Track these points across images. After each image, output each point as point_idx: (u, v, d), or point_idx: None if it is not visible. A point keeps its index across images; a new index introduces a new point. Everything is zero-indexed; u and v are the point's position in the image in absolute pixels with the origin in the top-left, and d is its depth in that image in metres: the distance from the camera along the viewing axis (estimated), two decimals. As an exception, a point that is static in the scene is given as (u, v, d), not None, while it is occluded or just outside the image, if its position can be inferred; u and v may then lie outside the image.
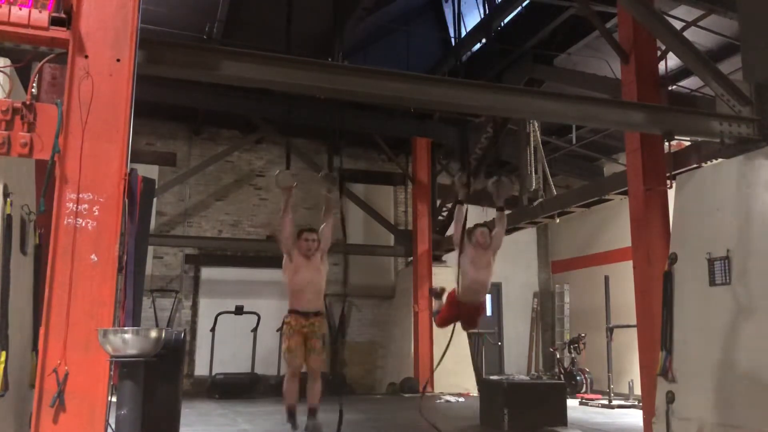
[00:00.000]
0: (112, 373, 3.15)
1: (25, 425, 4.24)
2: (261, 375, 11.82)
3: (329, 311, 13.35)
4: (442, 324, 7.16)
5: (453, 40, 12.56)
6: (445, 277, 13.21)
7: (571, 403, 9.31)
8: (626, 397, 10.66)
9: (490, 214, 7.26)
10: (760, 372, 4.99)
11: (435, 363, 6.33)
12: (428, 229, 13.27)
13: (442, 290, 7.39)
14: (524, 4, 10.18)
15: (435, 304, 7.60)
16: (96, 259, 3.17)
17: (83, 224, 3.18)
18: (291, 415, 6.43)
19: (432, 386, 12.34)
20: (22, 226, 4.43)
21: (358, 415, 8.76)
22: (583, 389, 12.10)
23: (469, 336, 13.17)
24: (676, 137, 6.09)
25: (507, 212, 11.49)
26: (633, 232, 6.99)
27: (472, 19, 11.97)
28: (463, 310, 6.75)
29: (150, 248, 10.25)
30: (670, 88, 9.07)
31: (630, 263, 7.06)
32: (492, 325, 14.83)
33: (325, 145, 14.11)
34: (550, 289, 15.41)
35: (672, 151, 6.73)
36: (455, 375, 12.02)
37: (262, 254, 13.28)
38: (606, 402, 10.43)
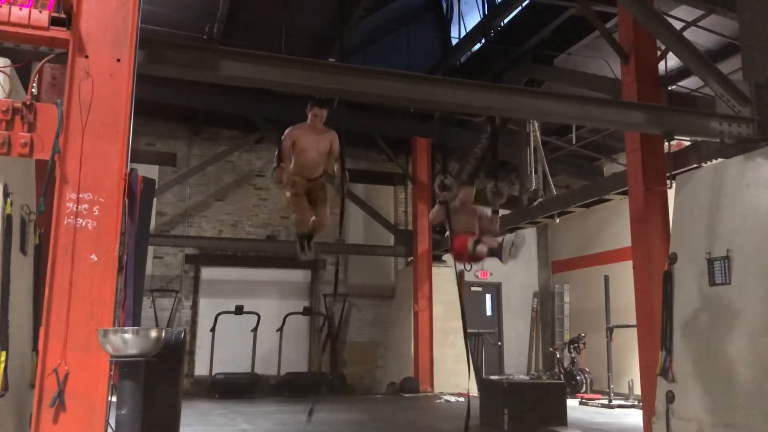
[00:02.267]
0: (112, 373, 3.15)
1: (25, 425, 4.24)
2: (261, 375, 11.83)
3: (329, 311, 13.38)
4: (461, 255, 6.62)
5: (453, 40, 12.60)
6: (446, 277, 13.24)
7: (571, 403, 9.32)
8: (626, 397, 10.67)
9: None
10: (759, 372, 4.98)
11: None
12: (428, 229, 13.26)
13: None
14: (524, 4, 10.18)
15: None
16: (96, 259, 3.17)
17: (83, 224, 3.18)
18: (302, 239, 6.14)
19: (432, 386, 12.37)
20: (22, 226, 4.43)
21: (358, 415, 8.77)
22: (583, 389, 12.11)
23: (469, 336, 13.18)
24: (676, 137, 6.09)
25: (507, 212, 11.59)
26: (633, 232, 6.99)
27: (472, 19, 11.98)
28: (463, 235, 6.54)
29: (150, 248, 10.24)
30: (670, 88, 9.07)
31: (630, 263, 7.06)
32: (492, 325, 14.84)
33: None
34: (550, 289, 15.40)
35: (672, 151, 6.73)
36: (455, 375, 12.03)
37: (262, 254, 13.29)
38: (606, 402, 10.43)
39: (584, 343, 12.56)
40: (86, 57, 3.33)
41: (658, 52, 7.37)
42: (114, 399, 3.20)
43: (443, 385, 12.09)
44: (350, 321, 13.94)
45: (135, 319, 5.03)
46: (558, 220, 11.03)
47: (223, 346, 12.15)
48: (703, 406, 5.37)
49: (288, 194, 6.10)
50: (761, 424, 4.87)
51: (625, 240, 7.91)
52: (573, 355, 12.67)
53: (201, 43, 9.30)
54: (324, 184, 6.20)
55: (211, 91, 11.22)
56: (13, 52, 3.57)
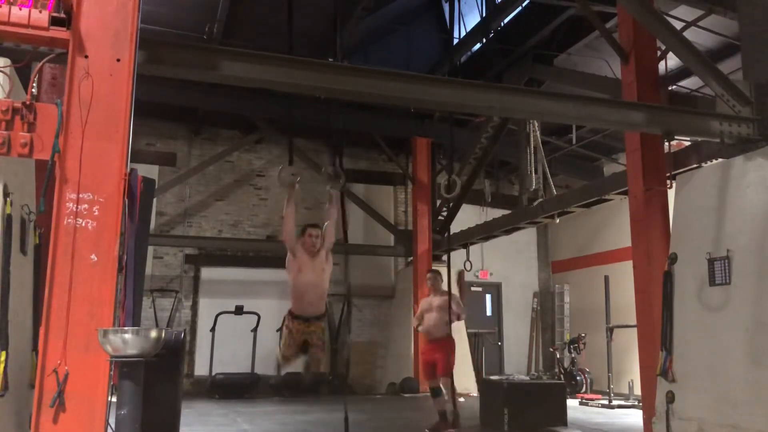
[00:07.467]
0: (112, 373, 3.15)
1: (25, 425, 4.24)
2: (261, 375, 11.83)
3: (330, 312, 13.36)
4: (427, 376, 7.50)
5: (453, 39, 12.60)
6: (445, 277, 13.20)
7: (571, 403, 9.31)
8: (626, 397, 10.67)
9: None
10: (759, 372, 4.98)
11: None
12: (428, 229, 13.26)
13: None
14: (524, 4, 10.18)
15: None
16: (96, 259, 3.17)
17: (83, 224, 3.18)
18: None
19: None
20: (22, 226, 4.43)
21: (358, 415, 8.75)
22: (583, 389, 12.11)
23: (470, 336, 13.18)
24: (676, 137, 6.09)
25: (507, 212, 11.59)
26: (633, 232, 6.98)
27: (472, 19, 11.97)
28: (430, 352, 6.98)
29: (150, 248, 10.25)
30: (670, 88, 9.07)
31: (630, 263, 7.05)
32: (492, 325, 14.84)
33: (325, 145, 14.14)
34: (550, 289, 15.41)
35: (672, 151, 6.73)
36: (456, 375, 12.01)
37: (262, 254, 13.28)
38: (606, 402, 10.43)
39: (584, 343, 12.56)
40: (86, 57, 3.32)
41: (658, 52, 7.37)
42: (114, 399, 3.20)
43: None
44: (350, 321, 13.93)
45: (135, 319, 5.03)
46: (558, 220, 11.02)
47: (223, 346, 12.14)
48: (703, 406, 5.37)
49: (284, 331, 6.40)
50: (761, 424, 4.87)
51: (625, 240, 7.91)
52: (573, 355, 12.67)
53: (201, 43, 9.31)
54: (324, 328, 6.45)
55: (211, 91, 11.22)
56: (13, 52, 3.57)
